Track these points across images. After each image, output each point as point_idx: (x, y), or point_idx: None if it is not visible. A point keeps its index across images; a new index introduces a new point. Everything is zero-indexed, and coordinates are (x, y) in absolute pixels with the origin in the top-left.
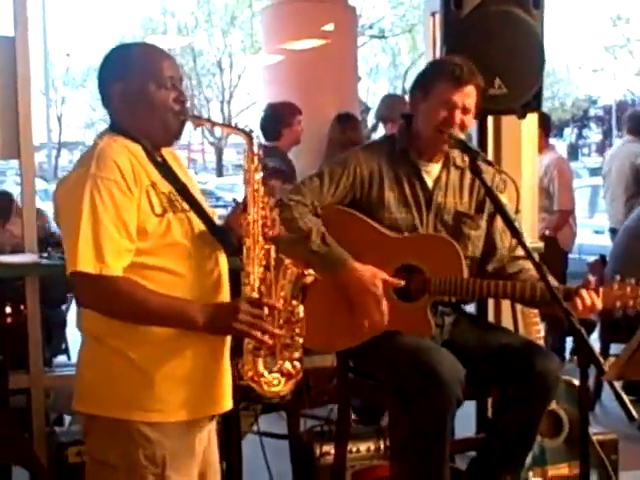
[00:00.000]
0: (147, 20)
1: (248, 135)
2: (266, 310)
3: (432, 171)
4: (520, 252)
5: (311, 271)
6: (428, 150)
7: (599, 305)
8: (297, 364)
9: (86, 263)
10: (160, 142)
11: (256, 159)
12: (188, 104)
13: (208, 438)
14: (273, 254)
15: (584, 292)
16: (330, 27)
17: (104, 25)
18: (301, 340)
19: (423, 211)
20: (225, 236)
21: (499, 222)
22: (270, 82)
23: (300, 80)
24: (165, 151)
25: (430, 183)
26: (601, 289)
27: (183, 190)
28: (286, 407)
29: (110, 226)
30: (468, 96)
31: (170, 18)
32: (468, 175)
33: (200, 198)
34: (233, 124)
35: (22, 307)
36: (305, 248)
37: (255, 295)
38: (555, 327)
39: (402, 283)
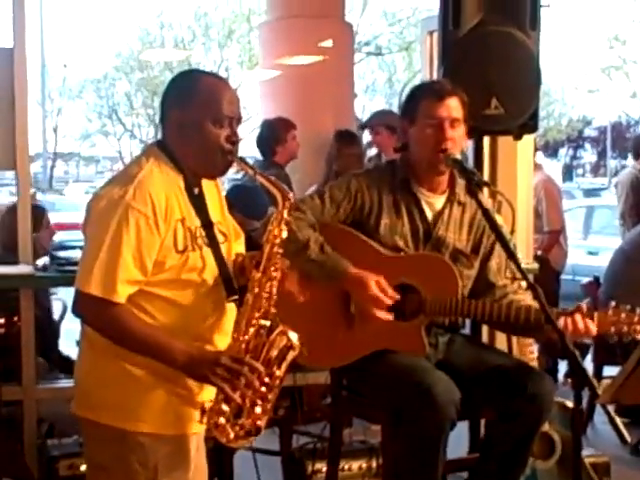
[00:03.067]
0: (145, 33)
1: (284, 197)
2: (246, 369)
3: (434, 203)
4: (511, 287)
5: (295, 340)
6: (427, 176)
7: (594, 330)
8: (260, 424)
9: (96, 287)
10: (203, 175)
11: (283, 224)
12: (239, 146)
13: (197, 444)
14: (270, 316)
15: (577, 316)
16: (327, 43)
17: (101, 37)
18: (269, 406)
19: (420, 242)
20: (231, 283)
21: (493, 262)
22: (267, 97)
23: (297, 96)
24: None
25: (430, 215)
26: (596, 314)
27: (208, 227)
28: (279, 423)
29: (128, 257)
30: (453, 109)
31: (167, 31)
32: (469, 213)
33: (227, 228)
34: (273, 180)
35: (15, 319)
36: (304, 258)
37: (240, 353)
38: (549, 350)
39: (397, 297)
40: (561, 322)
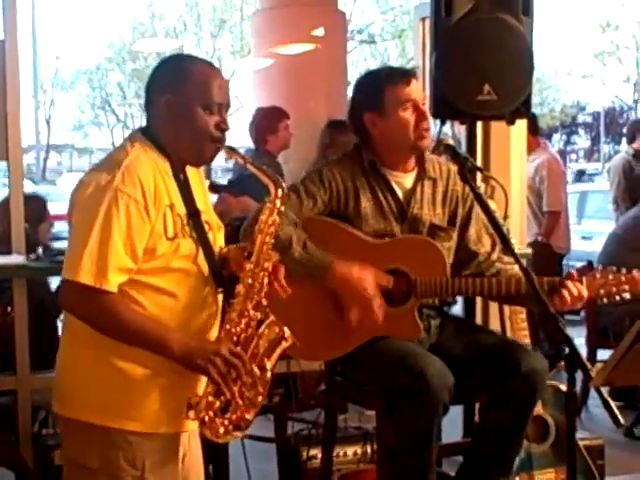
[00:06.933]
0: (136, 23)
1: (276, 185)
2: (240, 363)
3: (403, 182)
4: (496, 255)
5: (288, 333)
6: (398, 158)
7: (585, 293)
8: (248, 418)
9: (87, 275)
10: (190, 162)
11: (276, 213)
12: (228, 133)
13: (188, 443)
14: (263, 308)
15: (569, 283)
16: (320, 32)
17: (93, 28)
18: (260, 398)
19: (397, 222)
20: (219, 273)
21: (472, 230)
22: (259, 86)
23: (290, 84)
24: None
25: (400, 194)
26: (584, 278)
27: (195, 216)
28: (274, 410)
29: (119, 243)
30: (418, 89)
31: (159, 22)
32: (440, 187)
33: (210, 218)
34: (265, 169)
35: (9, 309)
36: (288, 258)
37: (234, 346)
38: (551, 334)
39: (390, 282)
40: (564, 293)
